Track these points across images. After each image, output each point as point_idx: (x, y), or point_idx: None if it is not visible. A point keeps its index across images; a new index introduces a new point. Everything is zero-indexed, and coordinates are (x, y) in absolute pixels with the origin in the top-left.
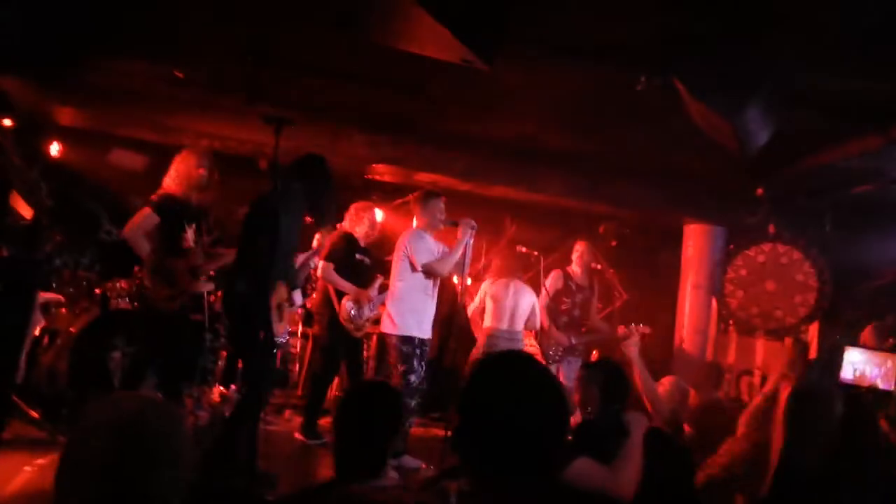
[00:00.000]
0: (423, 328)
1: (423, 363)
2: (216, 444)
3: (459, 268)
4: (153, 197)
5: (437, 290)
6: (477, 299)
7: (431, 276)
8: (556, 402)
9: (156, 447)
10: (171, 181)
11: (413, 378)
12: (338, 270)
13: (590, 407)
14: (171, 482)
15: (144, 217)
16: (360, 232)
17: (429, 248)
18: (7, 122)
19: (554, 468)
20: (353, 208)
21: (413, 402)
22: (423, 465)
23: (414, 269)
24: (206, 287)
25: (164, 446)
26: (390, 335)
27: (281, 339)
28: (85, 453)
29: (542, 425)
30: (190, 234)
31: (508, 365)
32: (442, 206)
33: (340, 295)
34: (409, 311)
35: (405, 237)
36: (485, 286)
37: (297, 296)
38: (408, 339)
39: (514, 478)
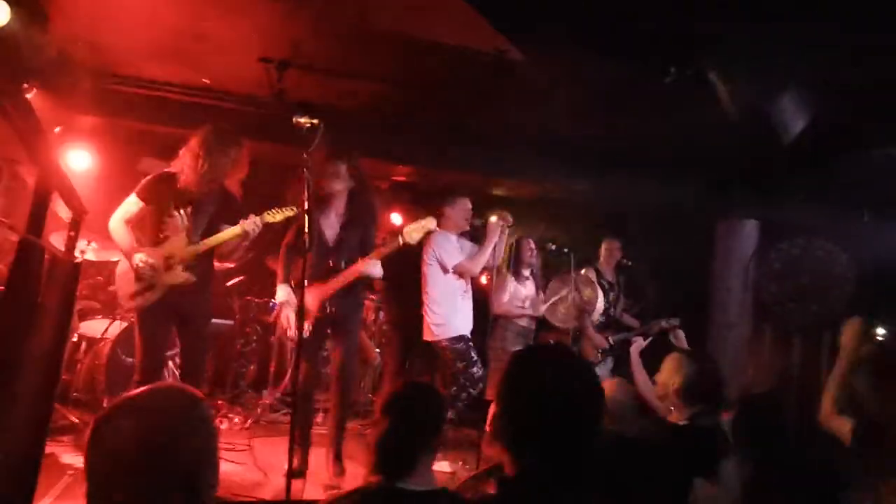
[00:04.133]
0: (467, 326)
1: (476, 355)
2: None
3: (489, 265)
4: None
5: (470, 288)
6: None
7: (464, 276)
8: (594, 393)
9: (178, 445)
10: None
11: (475, 370)
12: None
13: (670, 401)
14: (198, 480)
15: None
16: None
17: (457, 248)
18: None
19: (591, 458)
20: None
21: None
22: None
23: (445, 271)
24: (178, 278)
25: (188, 444)
26: (439, 340)
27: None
28: (111, 449)
29: (580, 415)
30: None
31: (550, 356)
32: (469, 206)
33: None
34: (451, 312)
35: (431, 241)
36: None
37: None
38: (458, 338)
39: (552, 466)
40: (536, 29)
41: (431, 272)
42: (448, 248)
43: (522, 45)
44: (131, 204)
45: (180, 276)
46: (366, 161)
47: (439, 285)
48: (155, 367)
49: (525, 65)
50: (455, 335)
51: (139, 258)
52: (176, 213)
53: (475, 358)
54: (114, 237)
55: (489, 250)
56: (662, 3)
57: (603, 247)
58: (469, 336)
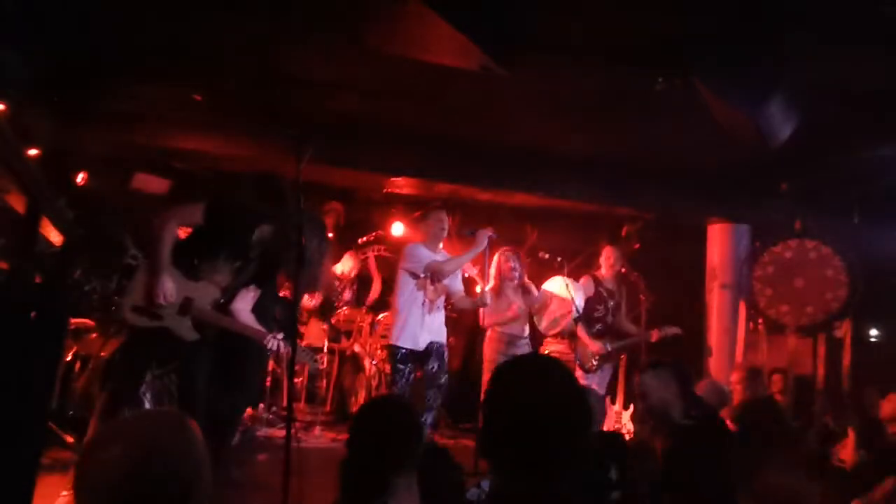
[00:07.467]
0: (416, 341)
1: (411, 375)
2: None
3: (480, 276)
4: None
5: (438, 303)
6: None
7: (437, 277)
8: (579, 404)
9: (167, 470)
10: None
11: (395, 389)
12: None
13: (671, 410)
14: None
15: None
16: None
17: (425, 256)
18: (33, 152)
19: (579, 469)
20: None
21: (425, 417)
22: None
23: (410, 281)
24: (182, 330)
25: (176, 469)
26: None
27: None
28: (97, 475)
29: (565, 426)
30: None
31: (533, 367)
32: (443, 217)
33: None
34: (403, 323)
35: (402, 252)
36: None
37: None
38: (394, 349)
39: (538, 478)
40: (524, 40)
41: (399, 282)
42: (414, 257)
43: (512, 58)
44: (193, 216)
45: (186, 329)
46: (359, 173)
47: (401, 295)
48: (129, 395)
49: (511, 78)
50: (393, 345)
51: (168, 289)
52: (222, 259)
53: (398, 379)
54: (157, 238)
55: (468, 256)
56: (650, 11)
57: (603, 254)
58: (412, 351)
